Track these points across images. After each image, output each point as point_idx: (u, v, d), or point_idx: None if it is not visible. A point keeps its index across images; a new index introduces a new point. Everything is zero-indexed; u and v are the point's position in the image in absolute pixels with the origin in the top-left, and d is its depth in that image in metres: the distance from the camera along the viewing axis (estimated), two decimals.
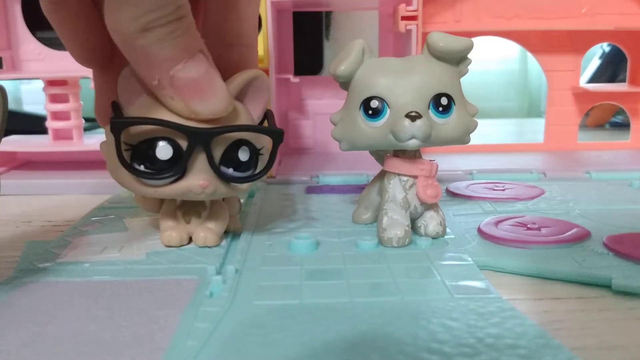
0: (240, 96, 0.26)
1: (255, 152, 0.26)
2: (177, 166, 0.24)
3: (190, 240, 0.28)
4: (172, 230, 0.27)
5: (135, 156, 0.24)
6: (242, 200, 0.35)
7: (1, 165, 0.46)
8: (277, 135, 0.26)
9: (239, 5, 0.25)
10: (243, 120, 0.25)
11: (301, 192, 0.39)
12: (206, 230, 0.27)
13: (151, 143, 0.24)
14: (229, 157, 0.25)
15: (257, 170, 0.26)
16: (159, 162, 0.24)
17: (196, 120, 0.24)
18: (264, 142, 0.26)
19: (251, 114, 0.26)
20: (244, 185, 0.26)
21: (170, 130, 0.24)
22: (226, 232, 0.29)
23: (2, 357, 0.18)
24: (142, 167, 0.24)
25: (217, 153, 0.25)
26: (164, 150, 0.24)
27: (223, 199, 0.29)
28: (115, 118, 0.24)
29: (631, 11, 0.50)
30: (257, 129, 0.26)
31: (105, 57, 0.26)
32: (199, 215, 0.28)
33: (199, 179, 0.24)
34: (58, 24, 0.25)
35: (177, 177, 0.24)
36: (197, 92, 0.23)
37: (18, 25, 0.46)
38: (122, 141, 0.24)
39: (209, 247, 0.27)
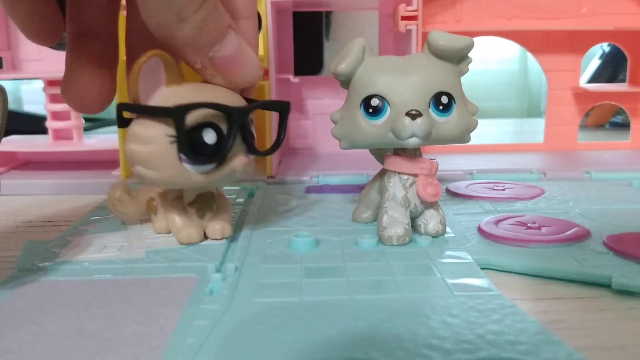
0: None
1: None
2: (222, 148, 0.24)
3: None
4: (189, 227, 0.27)
5: (181, 147, 0.24)
6: (241, 200, 0.35)
7: (1, 165, 0.46)
8: (283, 108, 0.27)
9: None
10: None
11: (301, 192, 0.38)
12: (221, 222, 0.27)
13: (196, 130, 0.24)
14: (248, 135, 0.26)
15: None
16: (206, 148, 0.24)
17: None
18: None
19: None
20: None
21: (211, 114, 0.24)
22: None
23: (3, 356, 0.18)
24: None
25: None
26: (209, 135, 0.24)
27: None
28: (176, 105, 0.23)
29: (631, 11, 0.50)
30: (266, 104, 0.29)
31: (56, 34, 0.26)
32: (211, 209, 0.27)
33: (241, 159, 0.25)
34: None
35: (221, 160, 0.25)
36: (234, 66, 0.25)
37: None
38: (166, 134, 0.23)
39: (226, 238, 0.27)
